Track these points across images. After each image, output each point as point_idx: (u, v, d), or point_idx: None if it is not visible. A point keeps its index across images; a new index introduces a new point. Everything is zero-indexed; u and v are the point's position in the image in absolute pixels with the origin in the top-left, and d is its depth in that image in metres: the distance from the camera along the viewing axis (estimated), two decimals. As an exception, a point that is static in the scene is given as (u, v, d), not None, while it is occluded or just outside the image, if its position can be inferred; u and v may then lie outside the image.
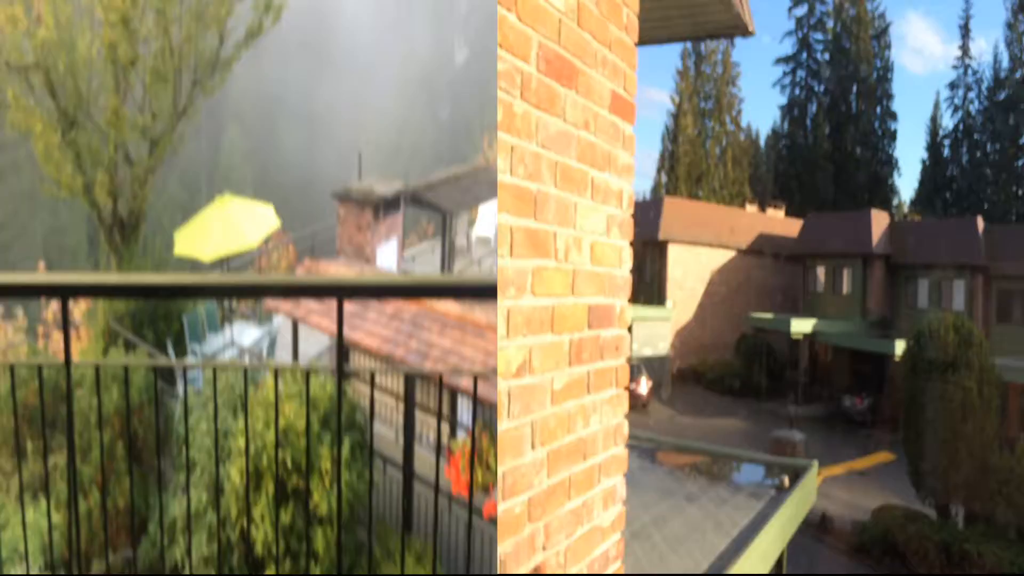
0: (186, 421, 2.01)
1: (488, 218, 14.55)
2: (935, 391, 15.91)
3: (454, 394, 7.75)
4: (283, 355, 10.06)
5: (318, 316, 8.56)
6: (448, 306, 7.89)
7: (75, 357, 8.98)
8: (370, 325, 8.18)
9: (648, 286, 29.59)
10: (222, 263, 11.28)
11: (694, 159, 41.22)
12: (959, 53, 41.46)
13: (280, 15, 11.20)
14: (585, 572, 1.90)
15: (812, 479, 9.68)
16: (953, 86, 41.32)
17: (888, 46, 42.70)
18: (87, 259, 23.98)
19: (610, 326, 2.03)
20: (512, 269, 1.63)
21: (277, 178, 35.17)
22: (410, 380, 7.59)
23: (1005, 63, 38.33)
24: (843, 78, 42.96)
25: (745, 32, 3.74)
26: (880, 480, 19.44)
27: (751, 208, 35.45)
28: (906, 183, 69.26)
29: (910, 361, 16.98)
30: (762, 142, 48.63)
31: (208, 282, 1.79)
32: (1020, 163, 36.77)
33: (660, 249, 29.60)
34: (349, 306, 7.94)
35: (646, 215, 28.89)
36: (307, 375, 1.98)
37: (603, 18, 2.02)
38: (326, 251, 13.09)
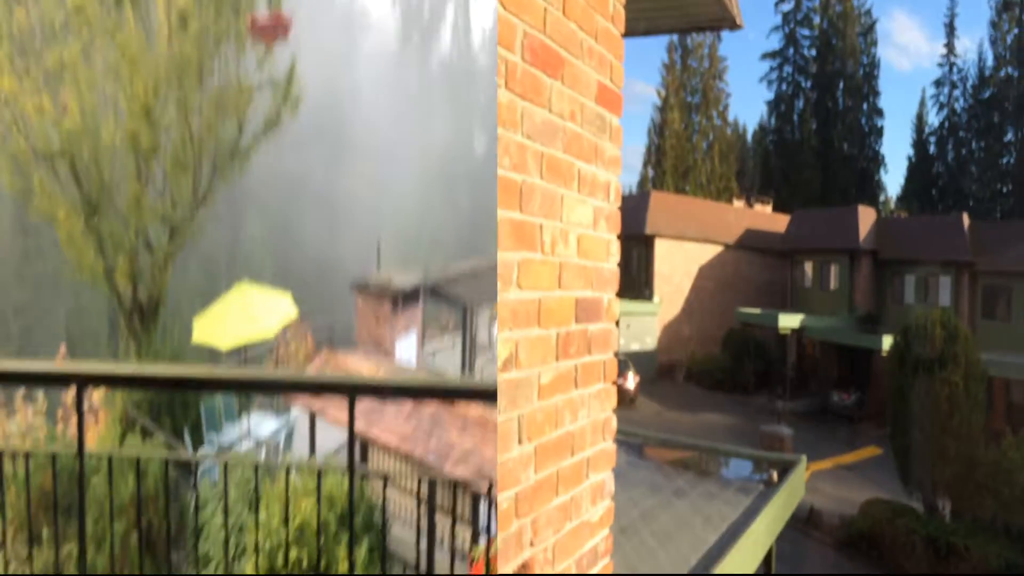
0: (196, 515, 2.00)
1: None
2: (922, 386, 16.03)
3: (476, 497, 7.62)
4: (301, 447, 10.10)
5: (336, 410, 8.45)
6: (469, 405, 7.76)
7: (92, 442, 9.52)
8: (388, 421, 8.13)
9: (635, 281, 29.59)
10: (239, 351, 11.41)
11: (680, 153, 41.25)
12: (944, 51, 41.90)
13: (298, 106, 11.55)
14: (573, 568, 1.89)
15: (800, 474, 9.70)
16: (939, 84, 41.70)
17: (874, 43, 43.02)
18: (108, 343, 24.08)
19: (598, 320, 2.02)
20: (499, 262, 1.61)
21: (296, 266, 35.45)
22: (431, 482, 7.46)
23: (990, 61, 38.79)
24: (830, 74, 43.18)
25: (733, 25, 3.73)
26: (867, 474, 19.55)
27: (738, 203, 35.51)
28: (892, 179, 69.94)
29: (897, 356, 17.11)
30: (749, 137, 48.87)
31: (219, 375, 1.86)
32: (1005, 160, 37.12)
33: (647, 244, 29.59)
34: (367, 401, 7.70)
35: (632, 209, 28.91)
36: (319, 474, 1.95)
37: (589, 7, 2.00)
38: (345, 341, 13.10)
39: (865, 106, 42.42)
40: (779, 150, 44.21)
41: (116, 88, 10.25)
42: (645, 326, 28.51)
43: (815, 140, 42.15)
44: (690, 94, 42.77)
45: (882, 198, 43.05)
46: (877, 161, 42.41)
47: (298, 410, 10.20)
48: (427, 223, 38.70)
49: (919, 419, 16.02)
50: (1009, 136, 37.46)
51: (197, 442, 9.83)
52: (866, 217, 28.07)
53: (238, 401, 10.52)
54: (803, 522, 16.40)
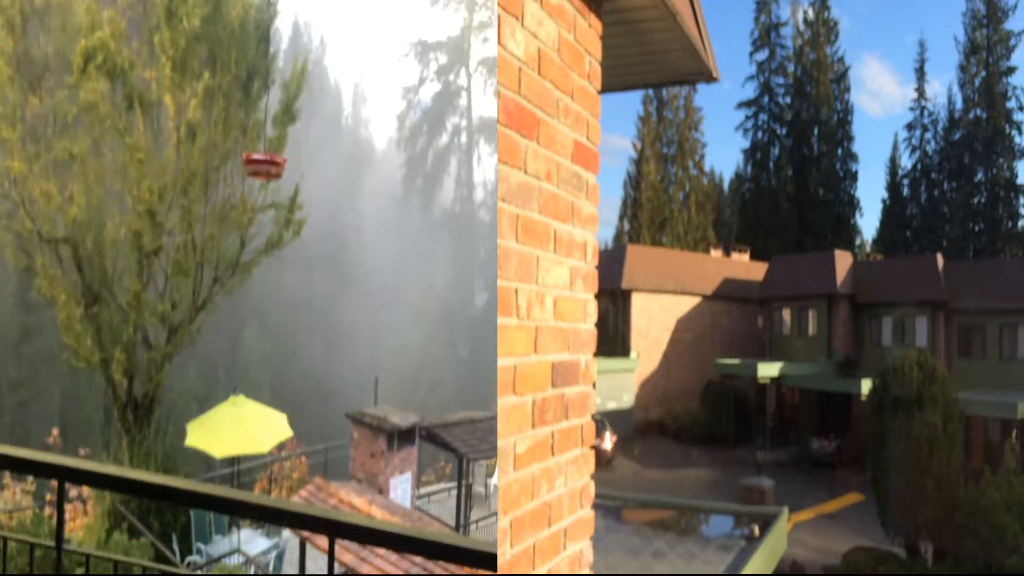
0: None
1: None
2: (901, 428, 16.13)
3: None
4: (290, 571, 10.03)
5: (326, 540, 8.29)
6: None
7: (79, 533, 9.57)
8: (380, 560, 8.04)
9: (611, 336, 29.26)
10: (232, 461, 11.50)
11: (657, 205, 41.42)
12: (915, 95, 42.99)
13: (300, 231, 11.97)
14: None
15: (782, 526, 9.58)
16: (910, 127, 42.72)
17: (847, 89, 44.06)
18: (101, 432, 24.35)
19: (575, 383, 1.97)
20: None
21: (294, 385, 36.31)
22: None
23: (959, 104, 39.82)
24: (804, 121, 44.10)
25: (709, 78, 3.77)
26: (849, 522, 19.38)
27: (715, 253, 35.61)
28: (868, 222, 71.09)
29: (876, 399, 17.23)
30: (726, 186, 49.55)
31: (201, 491, 1.83)
32: (976, 200, 37.94)
33: (624, 298, 29.38)
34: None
35: (609, 263, 28.91)
36: None
37: (565, 66, 1.99)
38: (339, 470, 13.21)
39: (840, 151, 43.26)
40: (756, 198, 44.74)
41: (123, 186, 10.52)
42: (622, 383, 28.10)
43: (791, 186, 42.82)
44: (666, 145, 43.10)
45: (858, 242, 43.69)
46: (852, 205, 43.11)
47: (289, 532, 10.11)
48: (425, 366, 39.01)
49: (899, 462, 16.05)
50: (979, 176, 38.34)
51: (185, 550, 9.72)
52: (843, 261, 28.39)
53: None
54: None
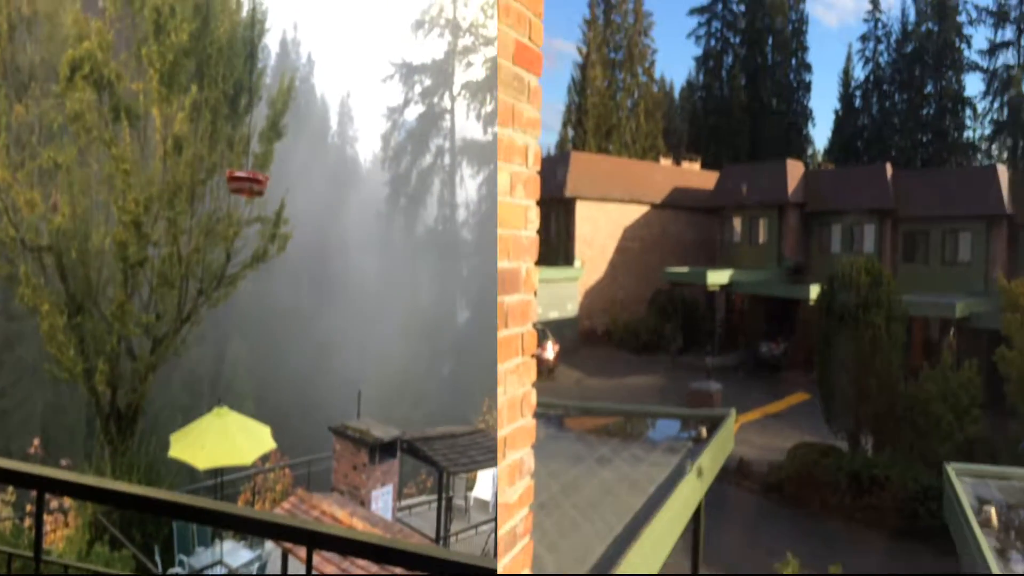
0: None
1: (487, 484, 14.82)
2: (847, 330, 16.66)
3: None
4: None
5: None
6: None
7: (60, 544, 9.51)
8: (361, 572, 8.07)
9: (555, 245, 29.20)
10: (216, 473, 11.52)
11: (603, 112, 40.52)
12: (870, 6, 42.71)
13: (286, 245, 12.10)
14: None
15: (729, 427, 9.87)
16: (864, 38, 42.58)
17: (803, -1, 43.45)
18: (84, 442, 24.25)
19: (515, 291, 1.92)
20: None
21: (278, 397, 36.95)
22: None
23: (912, 17, 39.87)
24: (759, 29, 43.56)
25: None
26: (795, 420, 20.21)
27: (665, 162, 35.30)
28: (820, 133, 71.70)
29: (824, 304, 17.70)
30: (676, 94, 48.93)
31: (181, 502, 1.83)
32: (925, 112, 38.52)
33: (567, 206, 29.14)
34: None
35: (552, 171, 28.63)
36: None
37: (502, -40, 1.86)
38: (321, 482, 13.34)
39: (793, 61, 43.08)
40: (708, 107, 44.46)
41: (108, 197, 10.51)
42: (566, 292, 27.98)
43: (744, 96, 42.62)
44: (613, 51, 41.92)
45: (810, 152, 44.11)
46: (805, 116, 43.36)
47: (272, 544, 10.19)
48: (408, 381, 39.61)
49: (844, 361, 16.67)
50: (929, 88, 38.88)
51: (167, 561, 9.76)
52: (794, 171, 28.65)
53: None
54: (734, 473, 16.90)
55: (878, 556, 14.23)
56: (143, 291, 11.04)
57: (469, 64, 47.12)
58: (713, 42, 45.44)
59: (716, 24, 45.44)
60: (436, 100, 47.58)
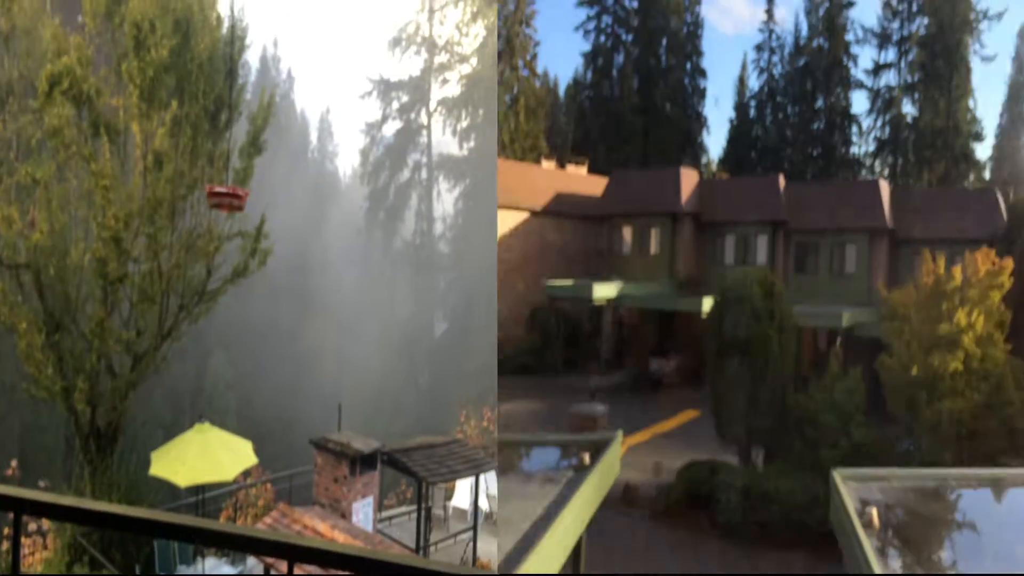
0: None
1: (465, 492, 17.02)
2: (740, 343, 18.70)
3: None
4: None
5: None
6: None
7: (39, 567, 10.36)
8: None
9: None
10: (198, 490, 12.71)
11: (478, 107, 42.16)
12: (765, 16, 46.95)
13: (266, 260, 13.41)
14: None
15: (615, 451, 10.87)
16: (759, 49, 46.79)
17: (698, 1, 47.08)
18: (63, 462, 26.58)
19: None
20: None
21: (260, 412, 41.59)
22: None
23: (804, 31, 44.49)
24: (652, 29, 46.53)
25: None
26: (686, 439, 21.95)
27: (547, 164, 36.20)
28: (715, 141, 76.89)
29: (717, 316, 19.72)
30: (561, 91, 51.38)
31: (161, 519, 2.00)
32: (816, 126, 43.17)
33: None
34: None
35: None
36: None
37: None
38: (303, 496, 14.76)
39: (689, 66, 46.45)
40: (596, 107, 46.47)
41: (88, 213, 11.54)
42: None
43: (636, 98, 45.35)
44: (490, 40, 43.86)
45: (705, 160, 47.67)
46: (700, 122, 46.74)
47: (254, 560, 11.31)
48: (387, 393, 45.20)
49: (736, 374, 18.67)
50: (820, 103, 43.49)
51: None
52: (688, 179, 31.08)
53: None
54: (620, 500, 18.10)
55: (769, 570, 16.14)
56: (123, 307, 12.06)
57: (445, 81, 53.47)
58: (603, 38, 47.84)
59: (607, 19, 47.93)
60: (413, 116, 53.96)
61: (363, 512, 12.62)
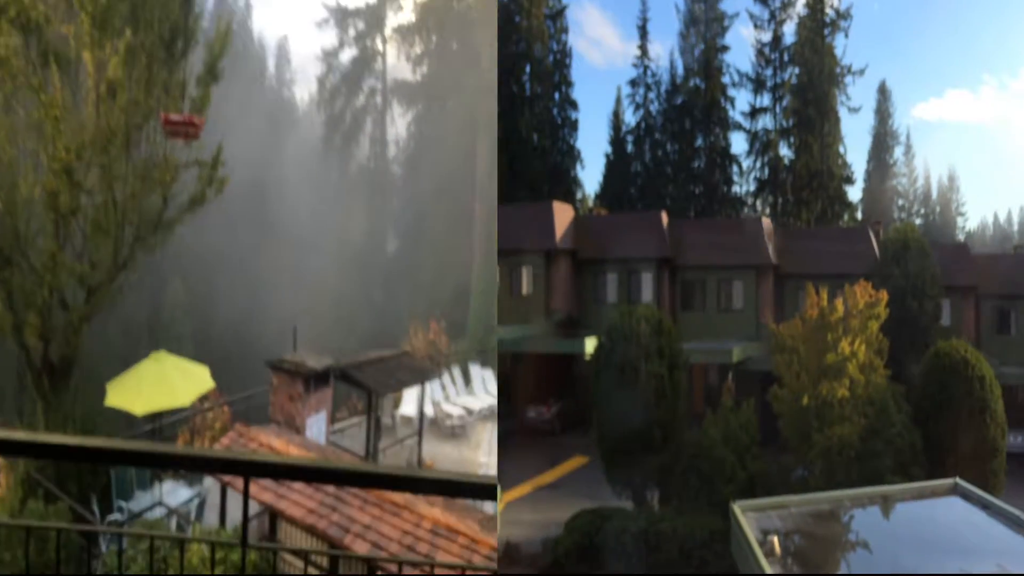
0: None
1: (411, 401, 20.63)
2: (627, 382, 20.63)
3: (373, 571, 10.59)
4: (212, 517, 12.44)
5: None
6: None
7: None
8: (296, 495, 10.80)
9: None
10: (154, 417, 13.88)
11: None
12: (638, 52, 51.00)
13: (223, 188, 14.50)
14: None
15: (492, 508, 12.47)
16: (634, 84, 50.64)
17: (565, 29, 50.26)
18: (15, 399, 28.03)
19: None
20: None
21: (217, 338, 47.43)
22: (334, 559, 10.48)
23: (680, 70, 48.88)
24: (513, 55, 49.18)
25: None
26: (573, 488, 23.63)
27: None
28: (590, 175, 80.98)
29: (601, 357, 21.50)
30: (410, 120, 54.31)
31: (114, 447, 2.24)
32: (696, 164, 47.48)
33: None
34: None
35: None
36: (212, 547, 3.52)
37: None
38: (260, 416, 16.26)
39: (557, 96, 49.46)
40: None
41: (38, 144, 12.23)
42: None
43: (498, 129, 47.69)
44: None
45: (579, 195, 50.71)
46: (573, 156, 49.66)
47: (211, 480, 12.66)
48: (342, 311, 52.43)
49: (625, 415, 20.57)
50: (699, 142, 48.07)
51: (105, 509, 11.77)
52: (562, 214, 33.40)
53: (150, 469, 12.43)
54: (500, 560, 18.93)
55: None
56: (76, 240, 12.81)
57: (400, 8, 62.04)
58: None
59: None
60: (369, 43, 62.44)
61: (316, 426, 14.43)
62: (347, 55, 62.81)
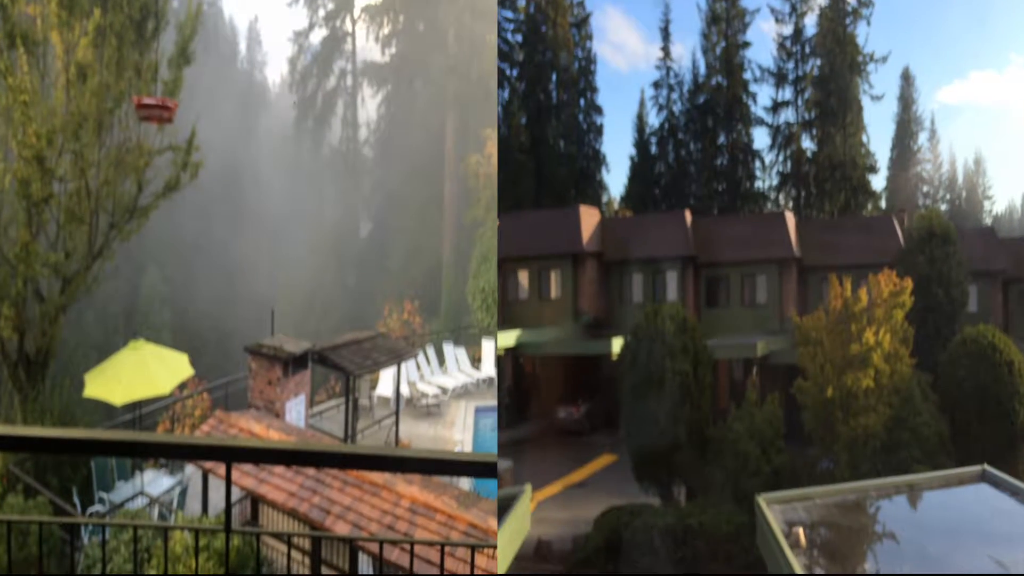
0: None
1: (388, 382, 20.84)
2: (654, 380, 20.51)
3: (355, 551, 10.63)
4: (194, 505, 12.44)
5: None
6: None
7: None
8: (277, 479, 10.77)
9: None
10: (134, 407, 13.75)
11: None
12: (661, 54, 50.72)
13: (197, 173, 14.35)
14: None
15: (523, 507, 12.14)
16: (657, 85, 50.39)
17: (589, 36, 50.29)
18: None
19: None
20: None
21: (195, 325, 47.12)
22: (316, 540, 10.49)
23: (702, 69, 48.58)
24: (539, 64, 49.41)
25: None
26: (602, 486, 23.43)
27: None
28: (615, 179, 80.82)
29: (627, 356, 21.48)
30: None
31: (93, 438, 2.24)
32: (719, 162, 47.01)
33: None
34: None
35: None
36: (196, 533, 3.42)
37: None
38: (239, 402, 16.35)
39: (583, 102, 49.37)
40: (483, 145, 49.05)
41: (7, 131, 11.90)
42: None
43: (525, 136, 47.85)
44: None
45: (605, 199, 50.48)
46: (598, 160, 49.56)
47: (192, 468, 12.66)
48: (317, 294, 52.27)
49: (652, 414, 20.42)
50: (722, 139, 47.54)
51: (87, 501, 11.70)
52: (589, 218, 33.32)
53: (131, 459, 12.28)
54: (531, 559, 19.32)
55: (695, 608, 17.75)
56: (50, 229, 12.55)
57: None
58: (485, 75, 50.67)
59: (488, 55, 50.92)
60: (338, 24, 61.92)
61: (296, 410, 14.43)
62: (317, 36, 62.82)
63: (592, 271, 32.67)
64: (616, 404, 23.86)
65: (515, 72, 50.05)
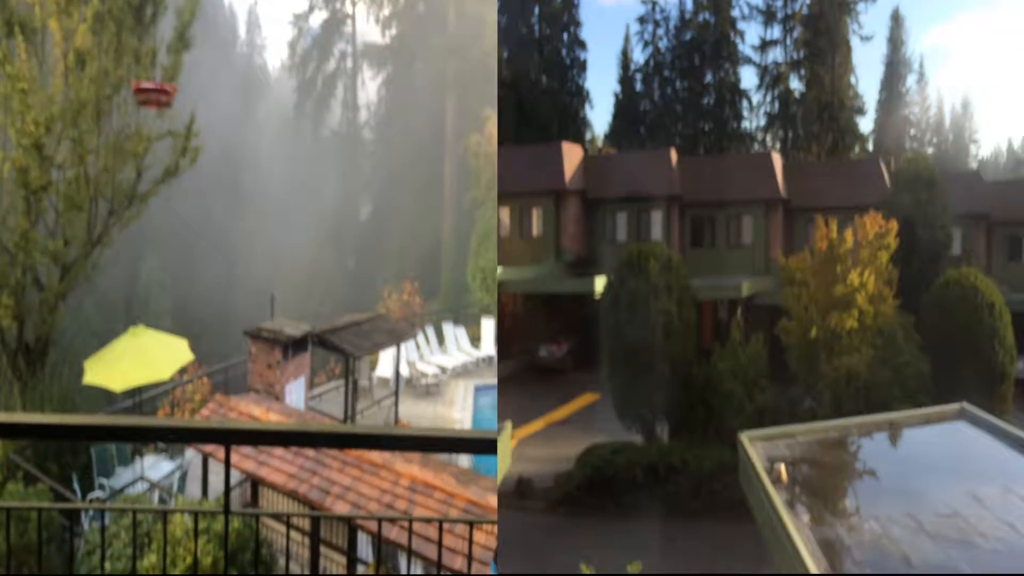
0: (83, 562, 3.83)
1: (387, 362, 21.03)
2: (637, 319, 20.73)
3: (354, 530, 10.81)
4: (194, 488, 12.54)
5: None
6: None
7: None
8: (277, 461, 10.92)
9: None
10: (134, 393, 13.87)
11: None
12: (647, -13, 50.24)
13: (196, 158, 14.33)
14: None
15: (504, 444, 12.46)
16: (643, 20, 49.98)
17: (572, -32, 49.70)
18: None
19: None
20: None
21: (195, 310, 47.95)
22: (315, 520, 10.61)
23: (689, 5, 48.23)
24: (522, -3, 48.76)
25: None
26: (584, 424, 23.89)
27: None
28: (599, 116, 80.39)
29: (612, 295, 21.65)
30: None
31: (93, 423, 2.28)
32: (705, 101, 46.99)
33: None
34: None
35: None
36: (196, 516, 3.43)
37: None
38: (239, 386, 16.50)
39: (566, 36, 49.00)
40: (457, 79, 48.50)
41: (5, 119, 11.99)
42: None
43: (507, 71, 47.45)
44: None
45: (588, 136, 50.38)
46: (581, 96, 49.39)
47: (192, 452, 12.80)
48: (317, 277, 52.90)
49: (635, 352, 20.66)
50: (708, 78, 47.51)
51: (87, 488, 11.82)
52: (571, 155, 33.26)
53: (131, 445, 12.60)
54: (512, 495, 19.62)
55: (677, 543, 18.19)
56: (48, 217, 12.68)
57: None
58: (466, 6, 49.88)
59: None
60: (338, 6, 61.94)
61: (295, 392, 14.71)
62: (317, 18, 62.72)
63: (575, 209, 32.73)
64: (599, 343, 24.13)
65: (497, 5, 49.54)
